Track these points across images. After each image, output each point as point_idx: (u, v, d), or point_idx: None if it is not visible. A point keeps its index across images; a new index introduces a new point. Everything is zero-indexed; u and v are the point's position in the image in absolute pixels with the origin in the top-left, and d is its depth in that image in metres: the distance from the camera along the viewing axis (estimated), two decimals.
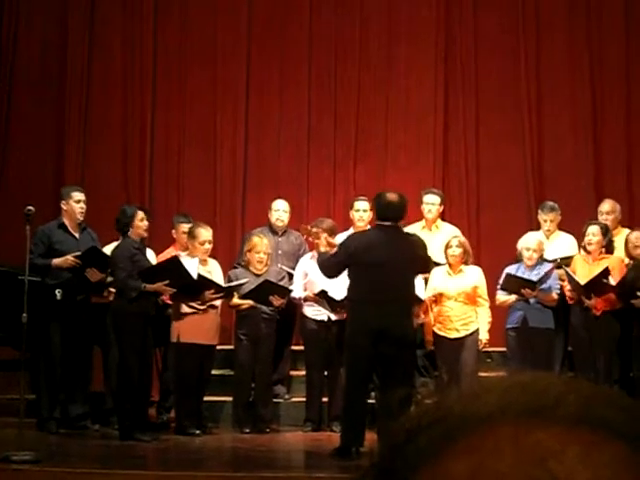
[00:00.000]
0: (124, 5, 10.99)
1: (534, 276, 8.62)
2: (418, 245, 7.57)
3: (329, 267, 7.71)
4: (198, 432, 8.50)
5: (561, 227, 9.54)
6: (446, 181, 10.90)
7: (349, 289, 7.71)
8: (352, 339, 7.36)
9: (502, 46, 11.07)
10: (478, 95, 11.02)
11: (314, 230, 9.00)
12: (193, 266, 8.44)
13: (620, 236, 9.27)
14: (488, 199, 10.87)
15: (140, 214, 8.48)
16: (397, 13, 11.10)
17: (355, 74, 11.07)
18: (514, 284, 8.65)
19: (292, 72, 11.06)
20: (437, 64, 11.01)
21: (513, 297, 8.68)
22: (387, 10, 11.11)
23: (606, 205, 9.45)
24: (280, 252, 9.31)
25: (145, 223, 8.50)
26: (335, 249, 7.83)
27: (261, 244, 8.94)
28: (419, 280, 8.72)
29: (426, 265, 7.67)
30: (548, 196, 10.20)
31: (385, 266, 7.18)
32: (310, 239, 9.23)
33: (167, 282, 8.23)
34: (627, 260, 8.83)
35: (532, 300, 8.61)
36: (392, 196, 7.45)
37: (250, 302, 8.76)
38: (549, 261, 8.91)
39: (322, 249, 8.59)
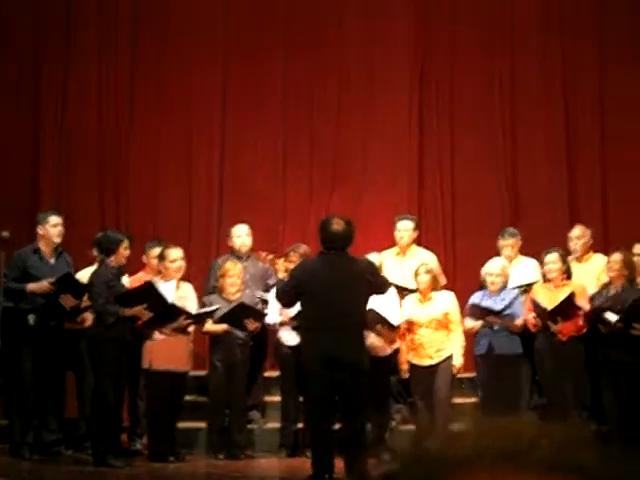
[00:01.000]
0: (100, 26, 10.96)
1: (499, 301, 8.64)
2: (366, 268, 7.46)
3: (281, 297, 7.69)
4: (172, 458, 8.47)
5: (533, 253, 9.56)
6: (422, 206, 10.93)
7: (301, 317, 7.72)
8: (306, 367, 7.32)
9: (476, 71, 11.12)
10: (453, 120, 11.07)
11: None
12: (169, 290, 8.42)
13: (591, 260, 9.31)
14: (463, 224, 10.91)
15: (126, 242, 8.48)
16: (373, 37, 11.14)
17: (332, 98, 11.10)
18: (478, 313, 8.68)
19: (268, 96, 11.08)
20: (412, 89, 11.06)
21: (479, 324, 8.71)
22: (364, 34, 11.15)
23: (576, 230, 9.50)
24: (248, 276, 9.27)
25: (127, 252, 8.53)
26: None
27: (234, 269, 8.92)
28: (395, 305, 8.72)
29: (379, 286, 7.48)
30: (523, 221, 10.26)
31: (332, 292, 7.12)
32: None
33: (144, 306, 8.22)
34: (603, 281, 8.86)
35: (496, 327, 8.64)
36: (337, 225, 7.31)
37: (223, 327, 8.73)
38: (514, 287, 8.93)
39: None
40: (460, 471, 0.77)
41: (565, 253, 8.96)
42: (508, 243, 9.51)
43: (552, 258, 8.79)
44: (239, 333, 8.79)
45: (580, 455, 0.80)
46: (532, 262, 9.39)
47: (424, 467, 0.78)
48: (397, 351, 8.85)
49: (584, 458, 0.80)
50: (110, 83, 10.91)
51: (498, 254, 9.33)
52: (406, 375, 8.85)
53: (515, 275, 9.25)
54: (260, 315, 8.82)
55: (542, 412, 9.34)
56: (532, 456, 0.78)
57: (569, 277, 8.85)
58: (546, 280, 8.83)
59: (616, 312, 8.38)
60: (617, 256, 8.69)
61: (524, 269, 9.41)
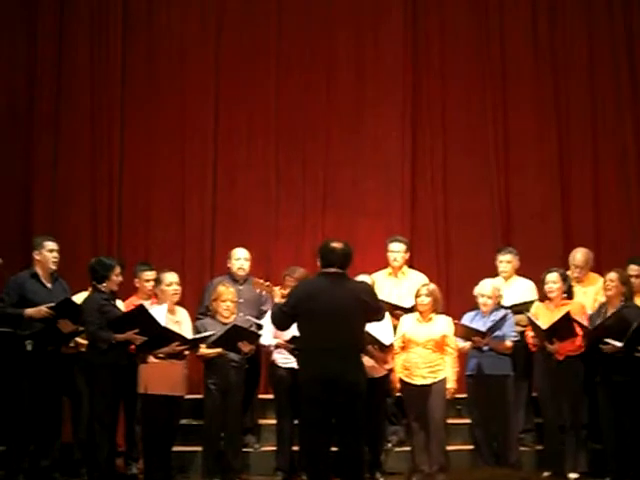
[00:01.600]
0: (91, 52, 10.95)
1: (490, 322, 8.68)
2: (364, 291, 7.45)
3: (277, 319, 7.68)
4: None
5: (527, 273, 9.62)
6: (415, 227, 10.96)
7: (298, 338, 7.72)
8: (303, 389, 7.32)
9: (469, 93, 11.18)
10: (445, 142, 11.12)
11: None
12: (161, 314, 8.44)
13: (589, 280, 9.33)
14: (457, 246, 10.95)
15: (117, 269, 8.52)
16: (364, 60, 11.19)
17: (323, 121, 11.13)
18: (465, 333, 8.72)
19: (260, 119, 11.09)
20: (404, 110, 11.09)
21: (468, 344, 8.74)
22: (354, 57, 11.20)
23: (579, 255, 9.51)
24: (242, 300, 9.29)
25: (120, 278, 8.57)
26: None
27: (227, 292, 8.94)
28: (387, 325, 8.75)
29: (374, 310, 7.44)
30: (516, 243, 10.29)
31: (330, 314, 7.11)
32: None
33: (137, 330, 8.23)
34: (601, 300, 8.90)
35: (484, 348, 8.67)
36: (336, 244, 7.36)
37: (218, 350, 8.75)
38: (506, 307, 8.98)
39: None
40: None
41: (565, 273, 9.01)
42: (505, 259, 9.59)
43: (552, 277, 8.83)
44: (234, 356, 8.80)
45: None
46: (528, 283, 9.44)
47: None
48: (391, 372, 8.87)
49: None
50: (103, 107, 10.92)
51: (492, 274, 9.37)
52: (397, 393, 8.87)
53: (511, 294, 9.30)
54: (254, 336, 8.83)
55: (535, 434, 9.40)
56: None
57: (570, 297, 8.90)
58: (546, 299, 8.87)
59: (616, 333, 8.37)
60: (613, 275, 8.71)
61: (520, 288, 9.45)
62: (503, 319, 8.69)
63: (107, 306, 8.36)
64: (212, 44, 11.15)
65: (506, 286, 9.45)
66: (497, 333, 8.63)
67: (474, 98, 11.18)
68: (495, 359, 8.66)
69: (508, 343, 8.70)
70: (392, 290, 9.53)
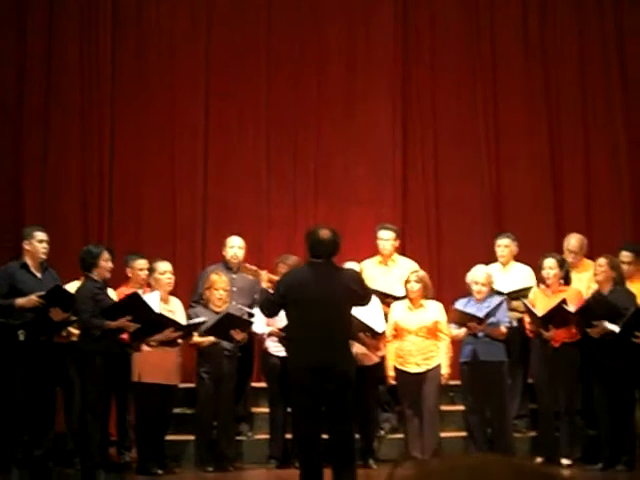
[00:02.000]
0: (81, 47, 10.91)
1: (484, 309, 8.68)
2: (352, 279, 7.42)
3: (265, 306, 7.69)
4: (161, 472, 8.47)
5: (520, 260, 9.64)
6: (406, 216, 10.97)
7: (287, 327, 7.72)
8: (293, 377, 7.32)
9: (459, 81, 11.17)
10: (436, 129, 11.11)
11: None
12: (154, 301, 8.44)
13: (586, 270, 9.34)
14: (448, 234, 10.95)
15: (106, 254, 8.51)
16: (355, 53, 11.17)
17: (314, 112, 11.12)
18: (460, 318, 8.72)
19: (251, 110, 11.07)
20: (395, 99, 11.09)
21: (463, 331, 8.75)
22: (345, 50, 11.18)
23: (573, 241, 9.54)
24: (235, 289, 9.29)
25: (110, 264, 8.53)
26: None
27: (220, 281, 8.95)
28: (378, 313, 8.75)
29: (362, 298, 7.43)
30: (507, 230, 10.29)
31: (318, 302, 7.08)
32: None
33: (130, 318, 8.23)
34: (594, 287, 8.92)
35: (480, 334, 8.68)
36: (324, 233, 7.28)
37: (211, 339, 8.75)
38: (502, 294, 8.99)
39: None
40: None
41: (563, 259, 9.03)
42: (503, 243, 9.61)
43: (550, 263, 8.85)
44: (226, 345, 8.80)
45: None
46: (526, 269, 9.45)
47: None
48: (384, 359, 8.88)
49: None
50: (93, 101, 10.88)
51: (483, 263, 9.37)
52: (392, 382, 8.88)
53: (509, 280, 9.31)
54: (247, 324, 8.83)
55: (529, 420, 9.42)
56: None
57: (567, 283, 8.91)
58: (544, 284, 8.89)
59: (605, 316, 8.41)
60: (602, 260, 8.74)
61: (518, 274, 9.46)
62: (499, 305, 8.70)
63: (100, 294, 8.36)
64: (202, 38, 11.12)
65: (504, 272, 9.47)
66: (491, 319, 8.63)
67: (464, 90, 11.17)
68: (490, 345, 8.66)
69: (503, 329, 8.71)
70: (382, 278, 9.52)
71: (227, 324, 8.68)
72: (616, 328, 8.35)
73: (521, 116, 11.12)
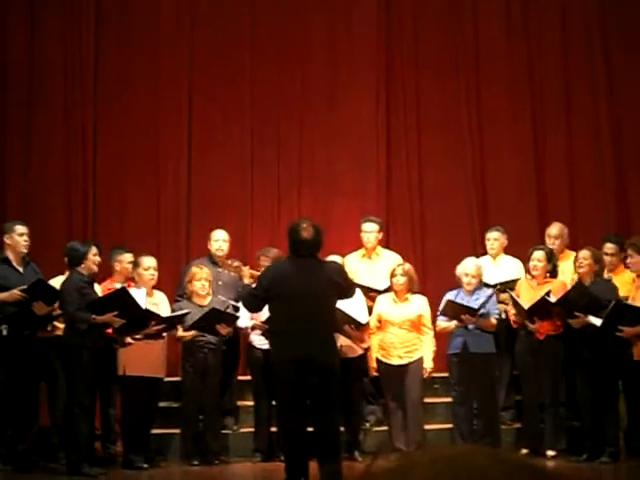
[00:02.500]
0: (64, 45, 10.84)
1: (473, 301, 8.69)
2: (334, 271, 7.43)
3: (248, 302, 7.68)
4: (146, 465, 8.46)
5: (506, 251, 9.65)
6: (390, 207, 10.96)
7: (270, 321, 7.71)
8: (277, 370, 7.32)
9: (442, 71, 11.16)
10: (420, 122, 11.09)
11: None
12: (141, 296, 8.42)
13: (568, 260, 9.37)
14: (432, 225, 10.95)
15: (94, 249, 8.47)
16: (337, 43, 11.15)
17: (297, 103, 11.09)
18: (454, 310, 8.72)
19: (234, 101, 11.04)
20: (378, 90, 11.08)
21: (453, 324, 8.75)
22: (327, 40, 11.16)
23: (554, 229, 9.58)
24: (220, 283, 9.28)
25: (97, 258, 8.50)
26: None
27: (200, 272, 8.95)
28: (361, 304, 8.75)
29: (346, 290, 7.45)
30: (492, 221, 10.30)
31: (300, 295, 7.08)
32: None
33: (116, 313, 8.21)
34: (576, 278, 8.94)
35: (471, 326, 8.68)
36: (306, 233, 7.24)
37: (192, 333, 8.74)
38: (489, 286, 9.00)
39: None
40: None
41: (551, 251, 9.04)
42: (493, 236, 9.62)
43: (538, 255, 8.87)
44: (211, 338, 8.79)
45: None
46: (515, 261, 9.46)
47: None
48: (368, 351, 8.88)
49: None
50: (76, 91, 10.83)
51: (468, 254, 9.38)
52: (374, 373, 8.88)
53: (499, 272, 9.32)
54: (232, 319, 8.82)
55: (514, 411, 9.43)
56: None
57: (554, 276, 8.93)
58: (531, 276, 8.90)
59: (585, 306, 8.43)
60: (586, 253, 8.76)
61: (507, 267, 9.47)
62: (490, 297, 8.71)
63: (86, 288, 8.34)
64: (186, 33, 11.07)
65: (494, 265, 9.48)
66: (482, 311, 8.64)
67: (448, 80, 11.16)
68: (480, 338, 8.67)
69: (493, 321, 8.73)
70: (366, 272, 9.51)
71: (212, 319, 8.67)
72: (598, 321, 8.36)
73: (504, 104, 11.12)
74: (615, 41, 11.08)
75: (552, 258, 8.95)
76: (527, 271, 9.00)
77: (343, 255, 9.35)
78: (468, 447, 0.82)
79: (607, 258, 8.95)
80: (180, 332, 8.78)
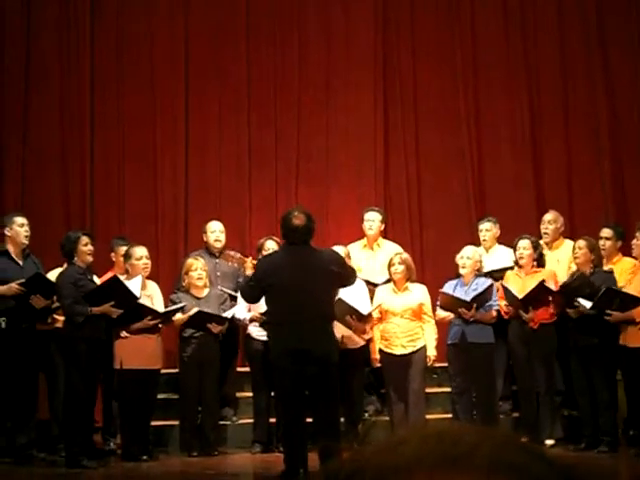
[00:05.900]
0: (60, 30, 10.86)
1: (472, 291, 8.68)
2: (331, 260, 7.40)
3: (245, 293, 7.69)
4: (145, 457, 8.46)
5: (502, 243, 9.64)
6: (388, 199, 10.96)
7: (267, 312, 7.71)
8: (275, 361, 7.32)
9: (440, 64, 11.16)
10: (417, 113, 11.10)
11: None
12: (136, 285, 8.41)
13: (563, 247, 9.38)
14: (430, 216, 10.95)
15: (84, 239, 8.44)
16: (335, 33, 11.16)
17: (295, 93, 11.09)
18: (450, 303, 8.71)
19: (232, 92, 11.04)
20: (376, 81, 11.08)
21: (451, 314, 8.75)
22: (325, 30, 11.16)
23: (549, 215, 9.60)
24: (219, 274, 9.28)
25: (89, 248, 8.45)
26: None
27: (196, 263, 8.94)
28: (364, 295, 8.75)
29: (344, 278, 7.44)
30: (490, 212, 10.30)
31: (295, 286, 7.08)
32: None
33: (112, 303, 8.20)
34: (574, 268, 8.94)
35: (471, 320, 8.67)
36: (297, 220, 7.25)
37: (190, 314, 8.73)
38: (486, 274, 8.99)
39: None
40: (399, 478, 0.78)
41: (537, 240, 9.04)
42: (485, 227, 9.62)
43: (524, 244, 8.87)
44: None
45: (520, 457, 0.81)
46: (508, 251, 9.46)
47: (362, 477, 0.79)
48: (369, 342, 8.87)
49: (524, 460, 0.81)
50: (72, 82, 10.82)
51: (467, 244, 9.38)
52: (377, 364, 8.88)
53: (492, 263, 9.33)
54: (220, 320, 8.81)
55: (512, 401, 9.44)
56: (472, 459, 0.79)
57: (541, 265, 8.92)
58: (518, 266, 8.91)
59: (586, 295, 8.45)
60: (582, 243, 8.77)
61: (500, 257, 9.47)
62: (489, 288, 8.70)
63: (82, 280, 8.32)
64: (181, 22, 11.05)
65: (487, 255, 9.48)
66: (486, 304, 8.63)
67: (446, 73, 11.16)
68: (478, 328, 8.66)
69: (493, 312, 8.72)
70: (367, 262, 9.52)
71: (200, 320, 8.67)
72: (588, 304, 8.39)
73: (502, 98, 11.12)
74: (613, 34, 11.15)
75: (538, 247, 8.95)
76: (515, 262, 8.97)
77: (345, 245, 9.34)
78: (458, 424, 0.82)
79: (603, 243, 8.96)
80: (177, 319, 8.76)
